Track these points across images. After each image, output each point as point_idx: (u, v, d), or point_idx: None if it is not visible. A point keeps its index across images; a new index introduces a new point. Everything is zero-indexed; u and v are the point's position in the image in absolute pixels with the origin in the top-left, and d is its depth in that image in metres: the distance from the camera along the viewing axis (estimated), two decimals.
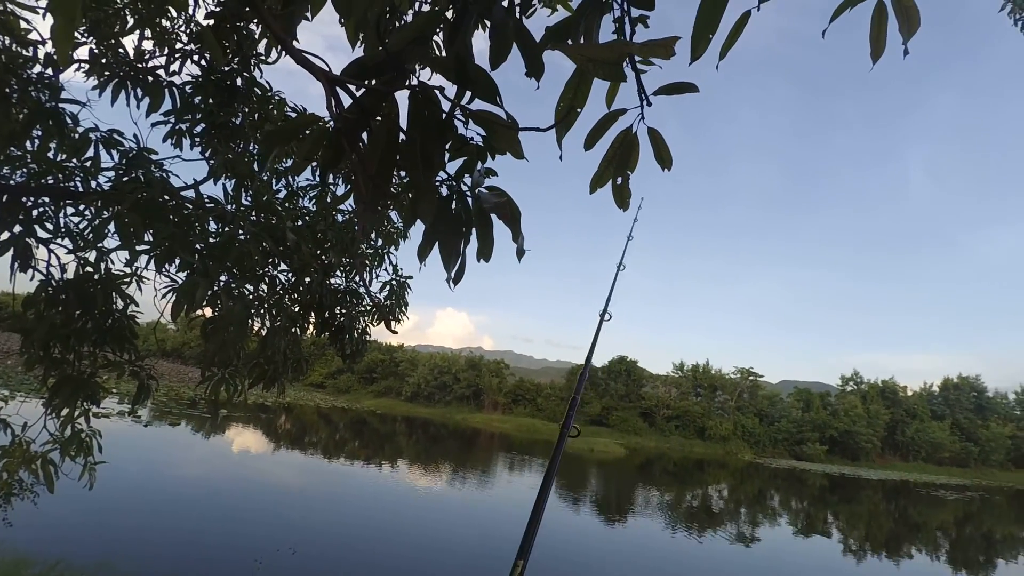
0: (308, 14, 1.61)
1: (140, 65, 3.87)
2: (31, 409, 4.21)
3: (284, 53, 3.69)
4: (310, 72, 0.98)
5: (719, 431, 58.66)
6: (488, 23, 1.03)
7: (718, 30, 1.02)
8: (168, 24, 4.04)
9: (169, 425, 26.35)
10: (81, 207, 3.97)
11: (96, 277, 3.69)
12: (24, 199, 3.82)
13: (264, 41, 3.69)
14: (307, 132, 1.09)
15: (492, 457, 33.40)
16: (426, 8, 1.45)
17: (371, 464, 24.38)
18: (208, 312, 3.60)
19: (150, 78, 3.88)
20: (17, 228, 3.64)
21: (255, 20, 3.88)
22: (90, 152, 3.58)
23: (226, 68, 3.98)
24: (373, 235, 4.81)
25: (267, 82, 4.09)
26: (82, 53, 3.97)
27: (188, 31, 4.06)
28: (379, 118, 1.04)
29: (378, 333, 4.65)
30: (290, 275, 4.09)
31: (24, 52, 3.73)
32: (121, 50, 3.93)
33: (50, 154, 3.92)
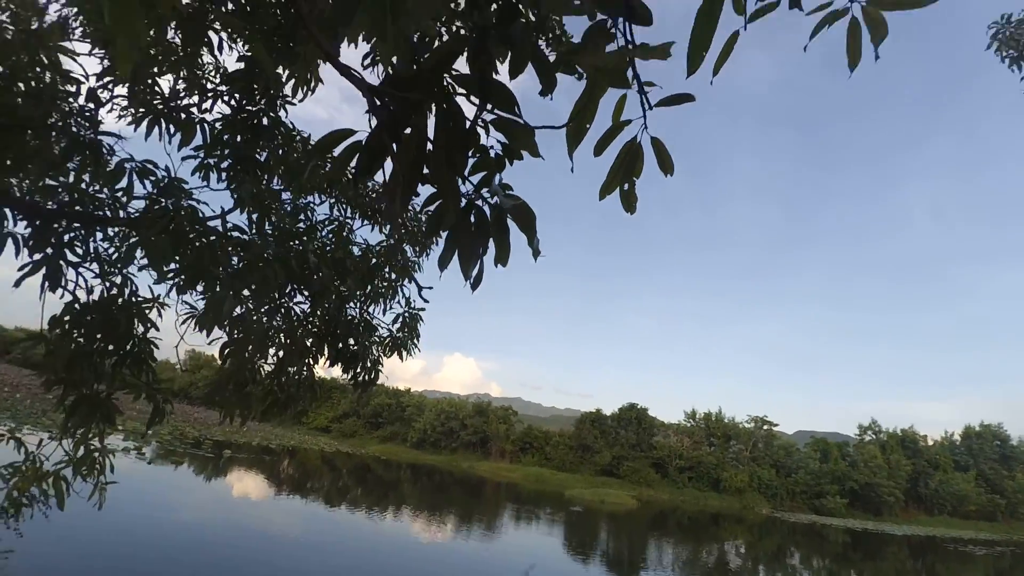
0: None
1: (174, 104, 4.14)
2: (35, 442, 4.25)
3: (313, 89, 3.93)
4: (352, 83, 1.11)
5: (734, 483, 56.61)
6: (508, 51, 1.16)
7: (711, 49, 1.14)
8: (199, 72, 4.33)
9: (172, 465, 26.03)
10: (110, 233, 4.16)
11: (120, 301, 3.83)
12: (56, 224, 4.01)
13: (291, 83, 3.94)
14: (343, 143, 1.21)
15: (497, 510, 32.43)
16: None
17: (373, 513, 23.78)
18: (224, 337, 3.71)
19: (183, 115, 4.14)
20: (49, 250, 3.82)
21: (283, 65, 4.16)
22: (124, 181, 3.79)
23: (253, 108, 4.23)
24: (387, 270, 4.95)
25: (291, 122, 4.35)
26: (120, 90, 4.24)
27: (218, 73, 4.36)
28: (408, 129, 1.16)
29: (385, 375, 4.72)
30: (306, 305, 4.21)
31: (68, 88, 3.98)
32: (157, 89, 4.21)
33: (83, 184, 4.15)
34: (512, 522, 27.66)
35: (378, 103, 1.10)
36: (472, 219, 1.33)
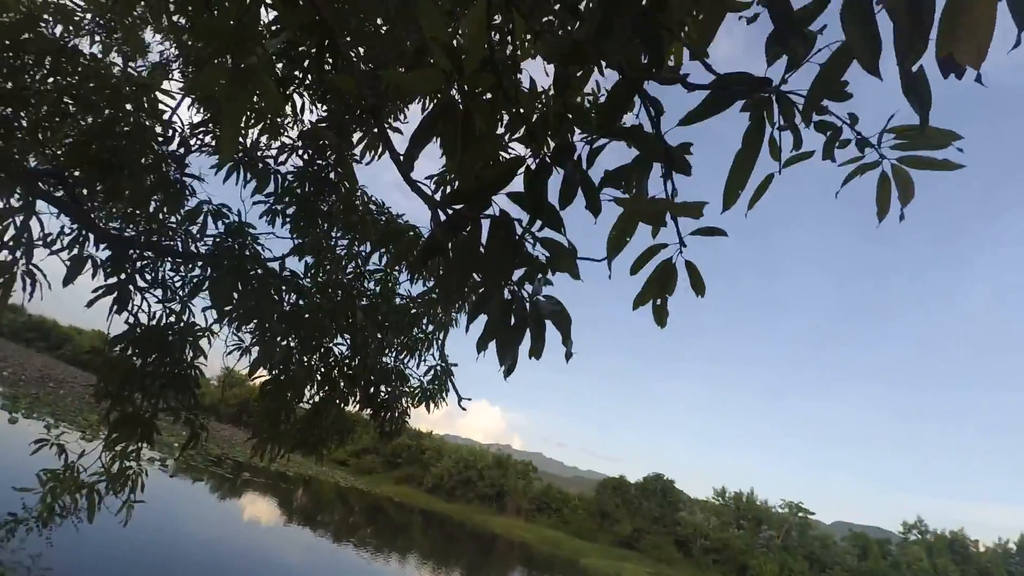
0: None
1: (256, 154, 4.51)
2: (74, 443, 4.45)
3: (380, 155, 4.23)
4: (420, 197, 1.26)
5: (763, 572, 52.62)
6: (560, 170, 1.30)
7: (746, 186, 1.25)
8: (279, 120, 4.73)
9: (191, 480, 26.36)
10: (178, 264, 4.49)
11: (177, 327, 4.10)
12: (132, 251, 4.37)
13: (360, 145, 4.25)
14: (406, 236, 1.35)
15: (506, 573, 31.16)
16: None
17: (379, 556, 23.25)
18: (265, 375, 3.89)
19: (260, 165, 4.50)
20: (123, 275, 4.15)
21: (354, 125, 4.50)
22: (199, 220, 4.13)
23: (322, 162, 4.57)
24: (424, 321, 5.11)
25: (356, 178, 4.66)
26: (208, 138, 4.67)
27: (296, 128, 4.74)
28: (465, 233, 1.29)
29: (408, 417, 4.80)
30: (345, 349, 4.38)
31: (164, 133, 4.41)
32: (240, 141, 4.61)
33: (159, 216, 4.53)
34: None
35: (440, 213, 1.25)
36: (513, 312, 1.44)
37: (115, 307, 3.89)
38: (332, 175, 4.28)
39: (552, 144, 1.26)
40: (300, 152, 4.42)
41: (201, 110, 4.46)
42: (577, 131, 1.44)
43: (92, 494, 3.80)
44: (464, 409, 4.16)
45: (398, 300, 4.46)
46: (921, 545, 57.92)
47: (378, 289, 4.50)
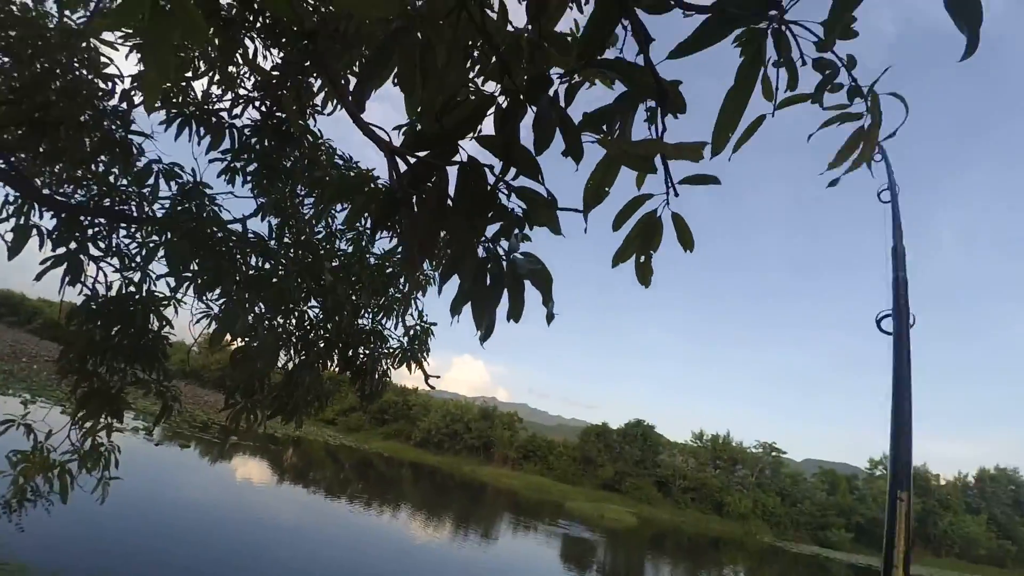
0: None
1: (207, 107, 4.18)
2: (50, 417, 4.27)
3: (342, 108, 3.95)
4: (374, 143, 1.10)
5: (738, 508, 55.79)
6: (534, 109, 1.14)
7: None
8: (234, 70, 4.37)
9: (179, 447, 26.40)
10: (133, 230, 4.22)
11: (137, 297, 3.88)
12: (82, 218, 4.08)
13: (322, 94, 3.96)
14: (365, 189, 1.20)
15: (495, 518, 32.30)
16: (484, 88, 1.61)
17: (371, 509, 23.84)
18: (238, 342, 3.73)
19: (214, 119, 4.18)
20: (72, 244, 3.89)
21: (315, 74, 4.18)
22: (150, 181, 3.84)
23: (282, 115, 4.26)
24: (401, 280, 4.95)
25: (319, 130, 4.37)
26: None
27: (251, 76, 4.39)
28: (429, 184, 1.14)
29: (392, 374, 4.70)
30: (319, 312, 4.22)
31: (103, 86, 4.04)
32: (191, 92, 4.26)
33: (110, 179, 4.22)
34: (509, 531, 27.53)
35: (398, 162, 1.09)
36: (488, 272, 1.31)
37: (67, 279, 3.65)
38: (293, 128, 3.99)
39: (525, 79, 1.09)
40: (257, 104, 4.11)
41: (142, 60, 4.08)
42: (555, 67, 1.27)
43: (64, 474, 3.66)
44: (432, 388, 4.10)
45: (372, 260, 4.28)
46: (886, 479, 61.73)
47: (351, 249, 4.31)
